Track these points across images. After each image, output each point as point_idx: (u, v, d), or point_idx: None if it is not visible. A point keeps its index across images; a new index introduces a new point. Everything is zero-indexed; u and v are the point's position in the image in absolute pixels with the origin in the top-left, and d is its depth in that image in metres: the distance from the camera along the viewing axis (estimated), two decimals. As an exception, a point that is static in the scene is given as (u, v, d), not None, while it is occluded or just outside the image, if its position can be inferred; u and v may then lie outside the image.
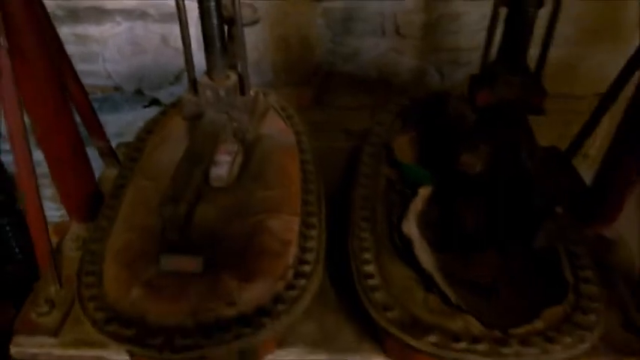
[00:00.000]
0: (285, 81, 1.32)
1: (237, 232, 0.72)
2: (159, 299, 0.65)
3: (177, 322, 0.63)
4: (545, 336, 0.62)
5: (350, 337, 0.74)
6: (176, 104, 0.96)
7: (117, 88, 1.34)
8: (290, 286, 0.68)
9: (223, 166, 0.78)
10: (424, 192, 0.82)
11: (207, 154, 0.75)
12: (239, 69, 0.79)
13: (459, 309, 0.65)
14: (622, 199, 0.85)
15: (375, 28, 1.24)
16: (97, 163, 0.97)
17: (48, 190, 1.39)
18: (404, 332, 0.63)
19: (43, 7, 0.79)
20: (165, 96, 1.36)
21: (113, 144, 1.05)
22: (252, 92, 0.81)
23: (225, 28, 0.77)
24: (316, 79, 1.32)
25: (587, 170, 0.95)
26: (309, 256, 0.72)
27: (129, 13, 1.21)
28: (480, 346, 0.61)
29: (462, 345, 0.61)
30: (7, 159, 1.43)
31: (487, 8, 0.73)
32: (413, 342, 0.62)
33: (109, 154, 1.03)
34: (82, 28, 1.23)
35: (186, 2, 0.73)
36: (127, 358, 0.72)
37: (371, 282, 0.69)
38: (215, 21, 0.73)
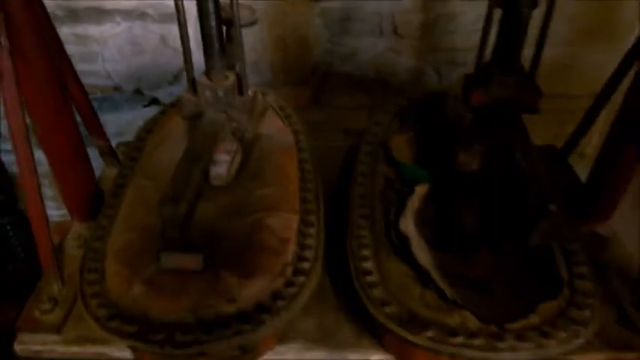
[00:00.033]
0: (283, 81, 1.33)
1: (237, 229, 0.73)
2: (160, 296, 0.65)
3: (178, 318, 0.64)
4: (540, 331, 0.63)
5: (349, 333, 0.75)
6: (175, 104, 0.96)
7: (116, 88, 1.35)
8: (289, 283, 0.69)
9: (222, 165, 0.78)
10: (421, 190, 0.83)
11: (207, 154, 0.76)
12: (237, 69, 0.80)
13: (456, 304, 0.66)
14: (616, 197, 0.86)
15: (372, 28, 1.24)
16: (96, 163, 0.98)
17: (48, 190, 1.39)
18: (401, 327, 0.64)
19: (43, 7, 0.79)
20: (164, 95, 1.36)
21: (113, 143, 1.06)
22: (250, 92, 0.82)
23: (224, 29, 0.78)
24: (314, 78, 1.33)
25: (584, 169, 0.96)
26: (308, 254, 0.72)
27: (128, 14, 1.22)
28: (477, 341, 0.62)
29: (459, 340, 0.62)
30: (8, 159, 1.43)
31: (483, 8, 0.74)
32: (410, 337, 0.63)
33: (109, 153, 1.04)
34: (81, 28, 1.23)
35: (184, 3, 0.73)
36: (129, 354, 0.73)
37: (369, 278, 0.70)
38: (214, 22, 0.74)
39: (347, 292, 0.74)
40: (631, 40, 0.84)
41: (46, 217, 0.79)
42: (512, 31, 0.73)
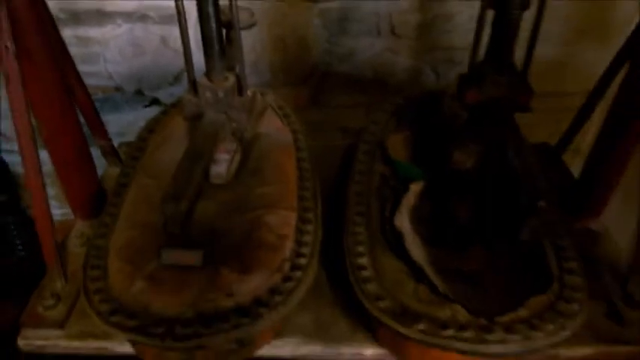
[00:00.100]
0: (282, 81, 1.34)
1: (236, 226, 0.74)
2: (161, 291, 0.67)
3: (178, 312, 0.65)
4: (528, 323, 0.64)
5: (344, 328, 0.76)
6: (177, 104, 0.97)
7: (118, 89, 1.36)
8: (286, 278, 0.69)
9: (222, 164, 0.80)
10: (415, 187, 0.84)
11: (207, 153, 0.78)
12: (237, 70, 0.81)
13: (447, 298, 0.67)
14: (608, 193, 0.88)
15: (370, 28, 1.25)
16: (99, 162, 0.99)
17: (50, 189, 1.41)
18: (395, 321, 0.65)
19: (47, 10, 0.80)
20: (164, 96, 1.37)
21: (114, 143, 1.07)
22: (249, 92, 0.83)
23: (224, 31, 0.79)
24: (313, 79, 1.34)
25: (578, 166, 0.97)
26: (305, 250, 0.73)
27: (129, 15, 1.23)
28: (466, 333, 0.63)
29: (449, 332, 0.63)
30: (11, 159, 1.44)
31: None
32: (403, 330, 0.64)
33: (111, 153, 1.05)
34: (83, 30, 1.24)
35: (185, 5, 0.75)
36: (130, 349, 0.74)
37: (364, 273, 0.71)
38: (213, 25, 0.75)
39: (343, 287, 0.75)
40: (623, 39, 0.85)
41: (50, 217, 0.80)
42: (503, 31, 0.74)
